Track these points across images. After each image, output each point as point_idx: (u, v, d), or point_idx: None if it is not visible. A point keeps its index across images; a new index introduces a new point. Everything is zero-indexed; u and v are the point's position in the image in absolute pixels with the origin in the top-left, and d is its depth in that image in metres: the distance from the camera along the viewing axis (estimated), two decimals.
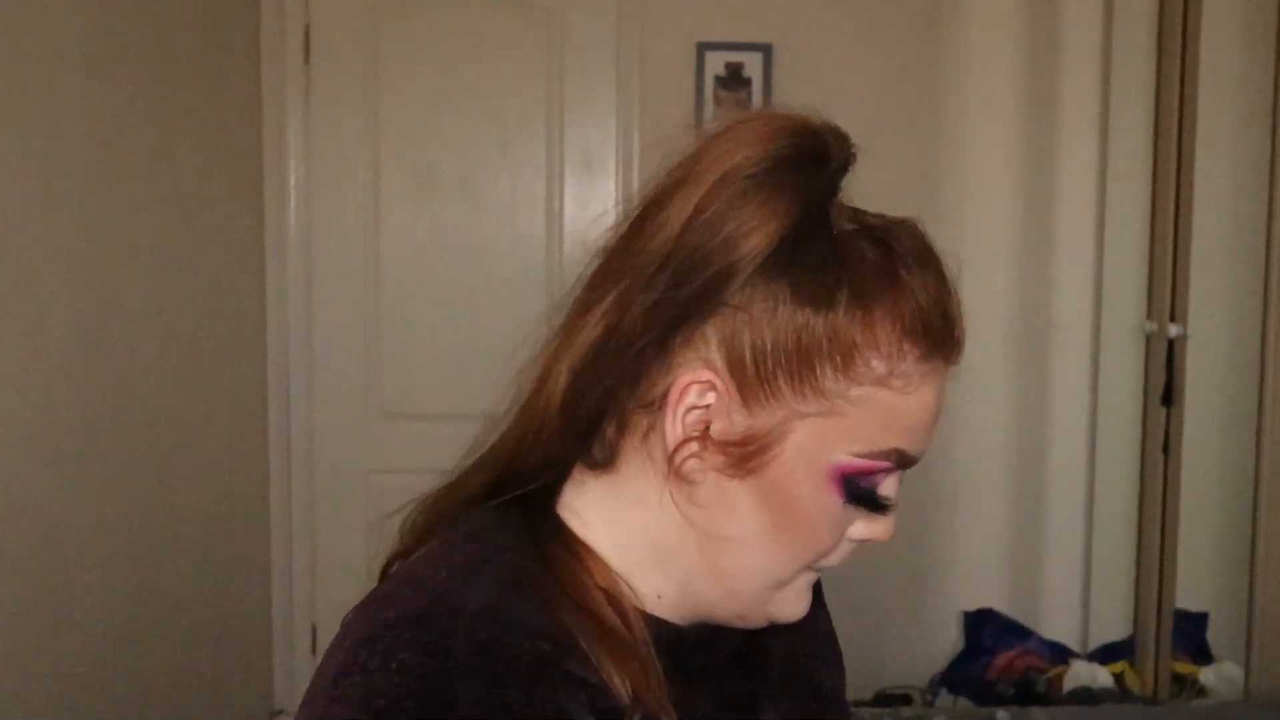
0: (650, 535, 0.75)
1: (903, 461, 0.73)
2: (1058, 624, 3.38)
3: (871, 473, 0.72)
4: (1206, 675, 3.08)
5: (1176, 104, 2.99)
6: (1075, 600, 3.40)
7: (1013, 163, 3.35)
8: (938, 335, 0.71)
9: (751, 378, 0.70)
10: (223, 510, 2.95)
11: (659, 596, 0.76)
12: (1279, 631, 2.88)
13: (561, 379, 0.73)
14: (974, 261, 3.34)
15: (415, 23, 3.26)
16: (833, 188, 0.74)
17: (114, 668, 2.38)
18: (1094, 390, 3.34)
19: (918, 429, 0.72)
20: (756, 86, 3.23)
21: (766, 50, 3.24)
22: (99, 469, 2.33)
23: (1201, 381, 3.07)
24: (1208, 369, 3.10)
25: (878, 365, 0.70)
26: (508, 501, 0.75)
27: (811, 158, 0.72)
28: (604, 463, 0.75)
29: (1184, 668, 3.09)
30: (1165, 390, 3.04)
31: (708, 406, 0.70)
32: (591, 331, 0.72)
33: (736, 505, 0.72)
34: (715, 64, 3.24)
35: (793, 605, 0.77)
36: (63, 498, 2.20)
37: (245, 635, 3.12)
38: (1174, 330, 2.98)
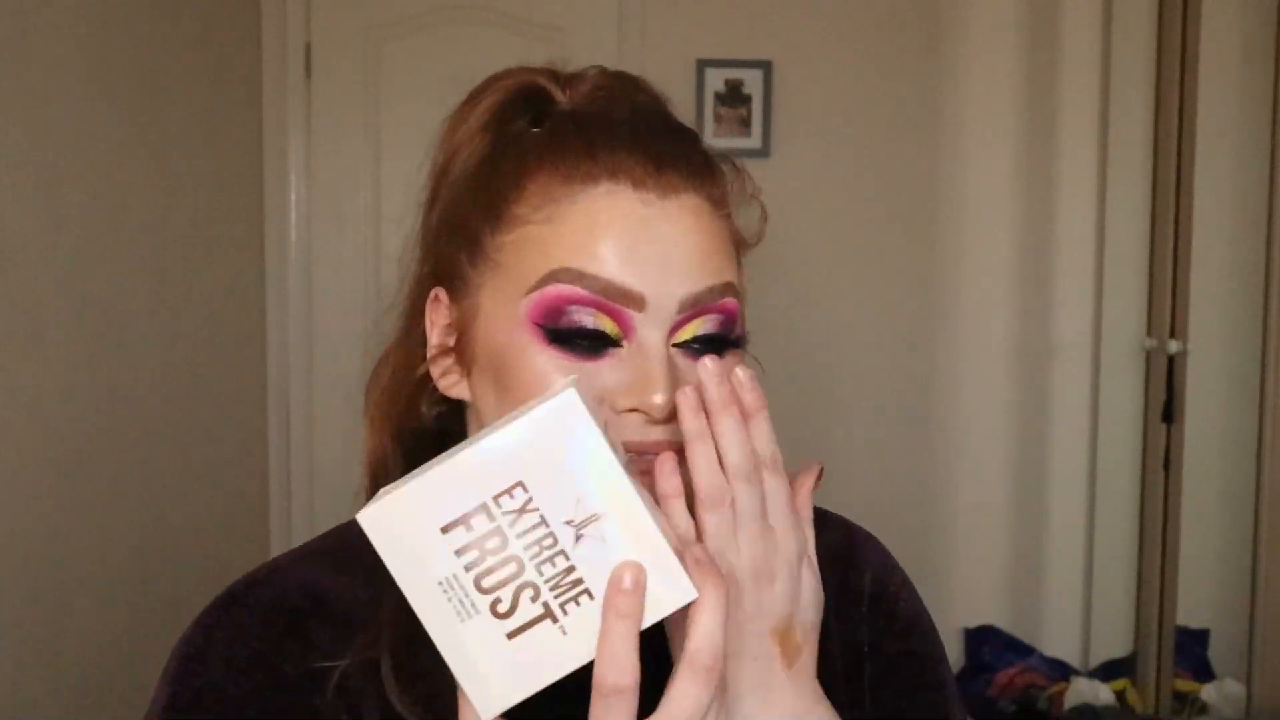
0: None
1: (591, 285, 0.68)
2: (1059, 641, 3.37)
3: (555, 304, 0.68)
4: (1208, 692, 3.08)
5: (1176, 120, 3.00)
6: (1076, 617, 3.39)
7: (1012, 179, 3.36)
8: (585, 169, 0.70)
9: (451, 273, 0.75)
10: (223, 522, 2.94)
11: None
12: None
13: (371, 403, 0.85)
14: (974, 278, 3.35)
15: (416, 41, 3.27)
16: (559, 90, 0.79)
17: (113, 676, 2.38)
18: (1094, 407, 3.34)
19: (590, 247, 0.68)
20: (757, 103, 3.24)
21: (766, 67, 3.25)
22: (100, 482, 2.33)
23: (1202, 398, 3.07)
24: (1208, 385, 3.10)
25: (522, 211, 0.71)
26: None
27: (527, 99, 0.79)
28: (444, 433, 0.80)
29: (1185, 685, 3.09)
30: (1165, 407, 3.04)
31: (450, 322, 0.76)
32: (392, 325, 0.83)
33: (482, 399, 0.74)
34: (715, 81, 3.25)
35: None
36: (63, 509, 2.20)
37: None
38: (1174, 346, 2.98)
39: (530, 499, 0.55)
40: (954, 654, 3.36)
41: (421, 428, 0.81)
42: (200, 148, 2.80)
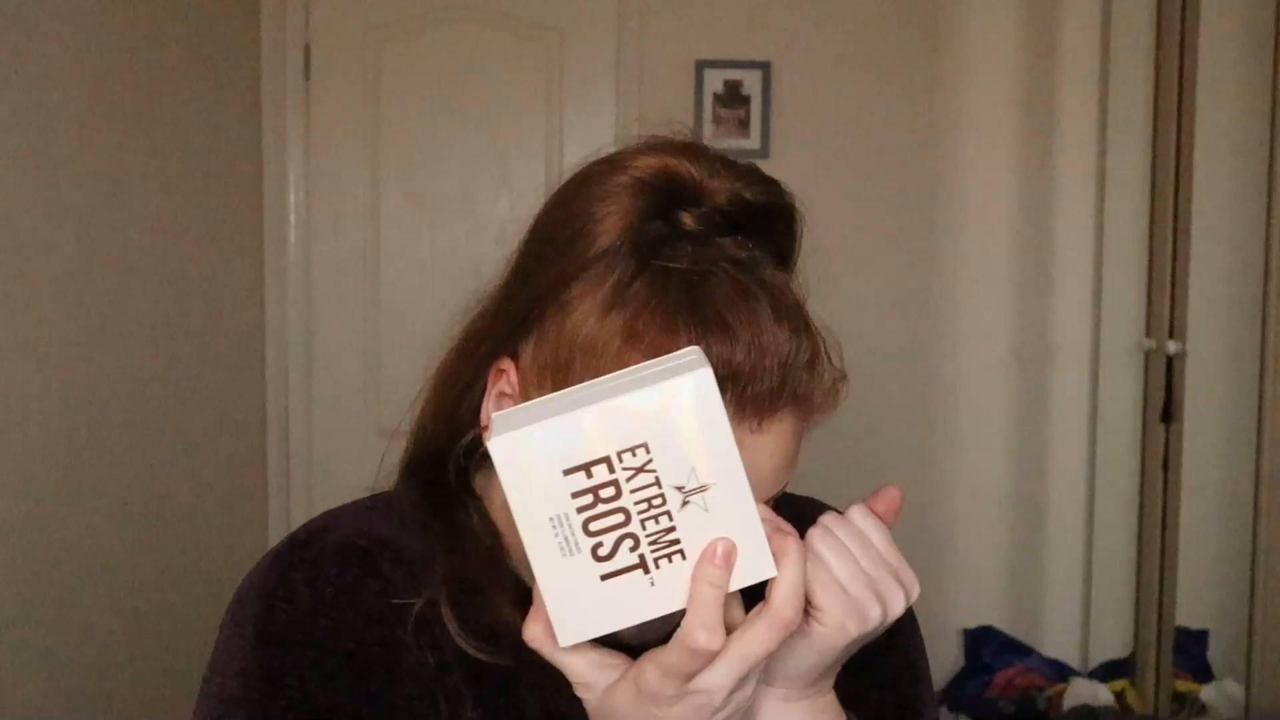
0: None
1: None
2: (1058, 641, 3.37)
3: None
4: (1207, 693, 3.08)
5: (1175, 121, 3.00)
6: (1076, 618, 3.39)
7: (1011, 180, 3.36)
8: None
9: (527, 370, 0.75)
10: (222, 525, 2.94)
11: None
12: None
13: (427, 394, 0.85)
14: (972, 278, 3.35)
15: (415, 42, 3.27)
16: (688, 211, 0.73)
17: (114, 680, 2.38)
18: (1093, 407, 3.34)
19: None
20: (755, 104, 3.24)
21: (765, 68, 3.25)
22: (99, 484, 2.33)
23: (1201, 398, 3.07)
24: (1207, 386, 3.10)
25: (630, 357, 0.69)
26: (433, 481, 0.84)
27: (664, 190, 0.73)
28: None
29: (1185, 685, 3.08)
30: (1165, 407, 3.04)
31: (511, 395, 0.76)
32: (451, 350, 0.84)
33: None
34: (714, 81, 3.25)
35: None
36: (62, 513, 2.20)
37: None
38: (1173, 347, 2.98)
39: (650, 460, 0.60)
40: (953, 654, 3.36)
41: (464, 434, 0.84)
42: (199, 148, 2.80)
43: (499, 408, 0.76)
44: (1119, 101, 3.26)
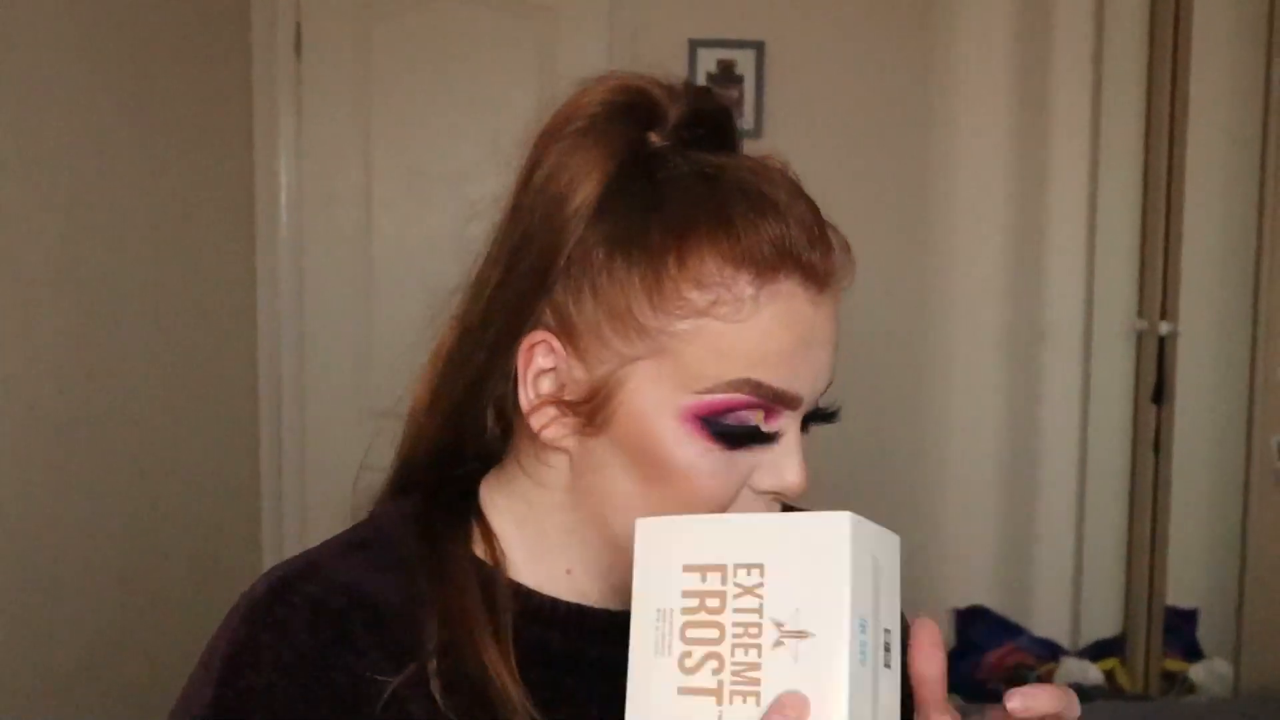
0: (547, 513, 0.76)
1: (766, 394, 0.68)
2: (1049, 621, 3.39)
3: (726, 409, 0.68)
4: (1196, 672, 3.09)
5: (1167, 102, 2.99)
6: (1066, 597, 3.40)
7: (1004, 160, 3.35)
8: (768, 259, 0.68)
9: (579, 330, 0.71)
10: (213, 509, 2.94)
11: (568, 571, 0.76)
12: (1268, 628, 2.89)
13: (423, 391, 0.79)
14: (965, 259, 3.35)
15: (406, 20, 3.26)
16: (662, 132, 0.73)
17: (102, 668, 2.38)
18: (1085, 388, 3.35)
19: (769, 358, 0.68)
20: (749, 83, 3.23)
21: (759, 47, 3.24)
22: (88, 468, 2.33)
23: (1192, 379, 3.08)
24: (1199, 367, 3.11)
25: (697, 296, 0.68)
26: (432, 491, 0.79)
27: (634, 107, 0.73)
28: (502, 450, 0.79)
29: (1174, 664, 3.10)
30: (1156, 388, 3.05)
31: (554, 369, 0.72)
32: (448, 336, 0.78)
33: (605, 465, 0.72)
34: (708, 61, 3.24)
35: None
36: (51, 498, 2.19)
37: None
38: (1165, 328, 2.99)
39: (761, 584, 0.58)
40: (944, 634, 3.37)
41: (475, 432, 0.79)
42: (190, 128, 2.79)
43: (539, 389, 0.72)
44: (1112, 82, 3.25)
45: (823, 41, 3.29)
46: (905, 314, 3.36)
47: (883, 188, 3.32)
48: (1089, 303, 3.33)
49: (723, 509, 0.70)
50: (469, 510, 0.78)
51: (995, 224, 3.36)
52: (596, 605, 0.76)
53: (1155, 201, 3.07)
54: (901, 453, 3.38)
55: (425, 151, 3.27)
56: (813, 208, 0.72)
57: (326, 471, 3.28)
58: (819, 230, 0.71)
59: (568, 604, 0.76)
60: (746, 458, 0.70)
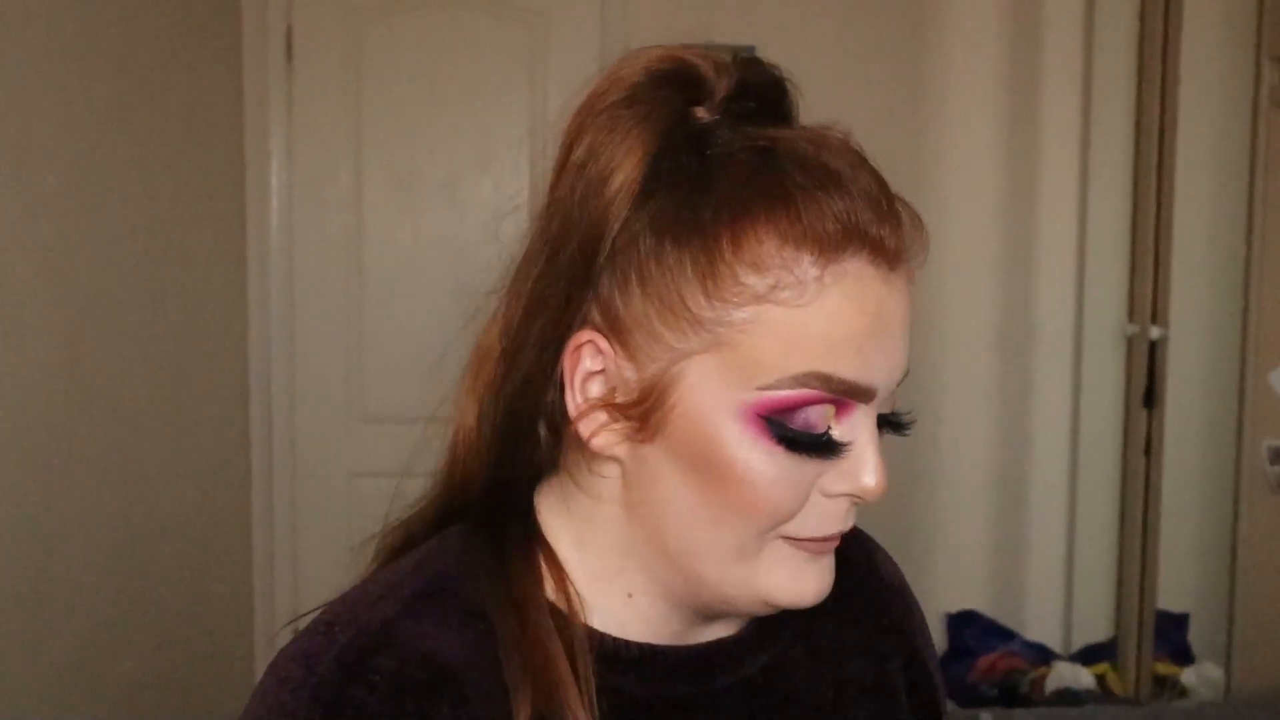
0: (603, 530, 0.70)
1: (837, 388, 0.63)
2: (1040, 625, 3.39)
3: (792, 407, 0.62)
4: (1188, 676, 3.10)
5: (1157, 106, 3.00)
6: (1057, 602, 3.41)
7: (994, 165, 3.36)
8: (833, 236, 0.62)
9: (628, 326, 0.64)
10: (204, 513, 2.93)
11: (629, 595, 0.70)
12: (1259, 632, 2.90)
13: (468, 401, 0.71)
14: (955, 264, 3.35)
15: (397, 24, 3.25)
16: (710, 106, 0.66)
17: (93, 671, 2.37)
18: (1076, 392, 3.35)
19: (839, 346, 0.62)
20: None
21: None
22: (78, 471, 2.32)
23: (1183, 383, 3.08)
24: (1189, 371, 3.11)
25: (755, 281, 0.62)
26: (489, 516, 0.72)
27: (676, 80, 0.66)
28: (553, 464, 0.73)
29: (1165, 668, 3.11)
30: (1147, 392, 3.05)
31: (603, 371, 0.66)
32: (487, 341, 0.71)
33: (659, 473, 0.65)
34: None
35: (787, 584, 0.66)
36: (42, 501, 2.18)
37: (226, 638, 3.10)
38: (1155, 332, 2.99)
39: None
40: (936, 639, 3.36)
41: (528, 446, 0.72)
42: (180, 132, 2.78)
43: (587, 393, 0.66)
44: (1102, 87, 3.26)
45: (813, 45, 3.29)
46: None
47: None
48: (1080, 307, 3.33)
49: (789, 519, 0.65)
50: (533, 541, 0.71)
51: (986, 228, 3.37)
52: (661, 630, 0.71)
53: (1145, 206, 3.08)
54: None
55: (416, 156, 3.27)
56: (879, 179, 0.66)
57: (317, 476, 3.28)
58: (887, 203, 0.65)
59: (640, 645, 0.70)
60: (809, 459, 0.64)
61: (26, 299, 2.13)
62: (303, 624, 0.69)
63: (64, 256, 2.26)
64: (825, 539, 0.67)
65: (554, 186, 0.68)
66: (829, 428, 0.64)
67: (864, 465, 0.65)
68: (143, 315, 2.58)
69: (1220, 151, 3.11)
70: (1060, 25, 3.31)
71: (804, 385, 0.62)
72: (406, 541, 0.76)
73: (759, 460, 0.63)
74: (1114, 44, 3.23)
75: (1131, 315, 3.18)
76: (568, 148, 0.67)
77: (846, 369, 0.62)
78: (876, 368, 0.64)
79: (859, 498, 0.66)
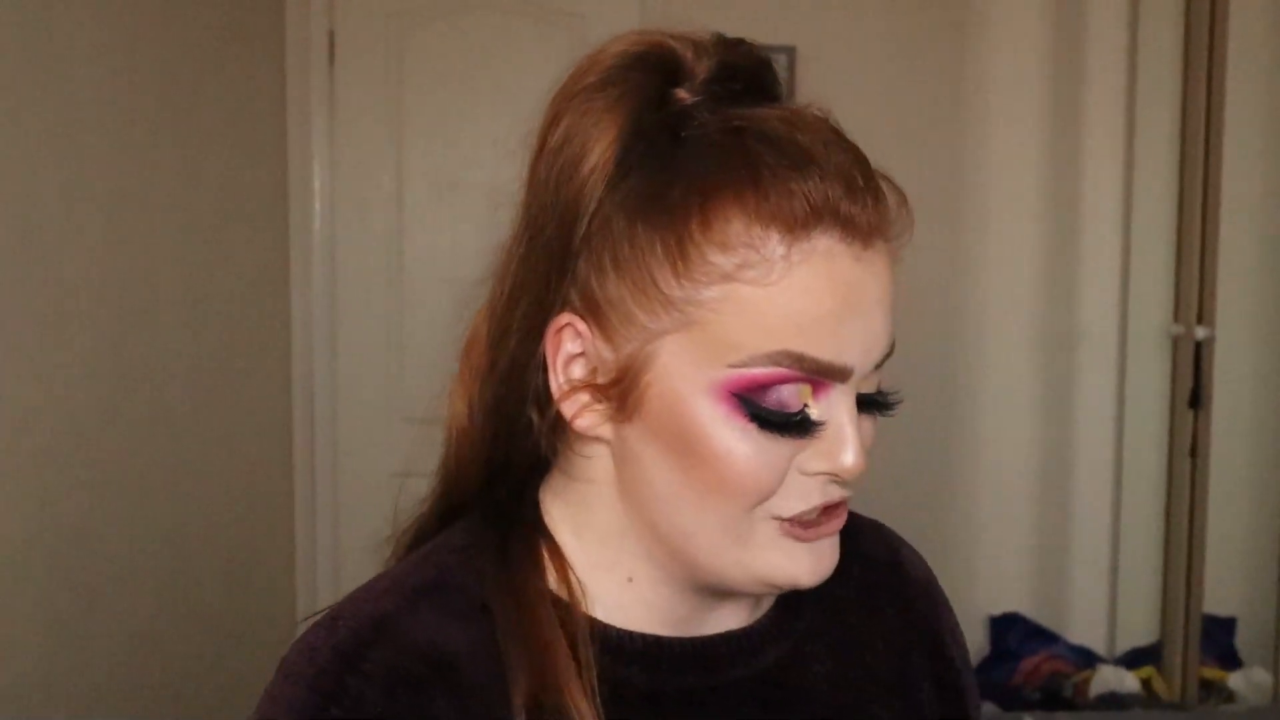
0: (598, 514, 0.71)
1: (809, 367, 0.62)
2: (1084, 628, 3.36)
3: (764, 385, 0.62)
4: (1235, 680, 3.06)
5: (1204, 105, 2.97)
6: (1102, 604, 3.38)
7: (1038, 165, 3.33)
8: (800, 215, 0.61)
9: (604, 308, 0.65)
10: (247, 514, 2.96)
11: (630, 580, 0.71)
12: None
13: (459, 389, 0.74)
14: (999, 265, 3.33)
15: (437, 28, 3.27)
16: (690, 88, 0.67)
17: (139, 670, 2.40)
18: (1120, 393, 3.32)
19: (811, 325, 0.62)
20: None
21: (790, 53, 3.23)
22: (123, 473, 2.35)
23: (1229, 384, 3.05)
24: (1235, 372, 3.08)
25: (722, 260, 0.62)
26: (492, 508, 0.74)
27: (652, 62, 0.66)
28: (551, 452, 0.73)
29: (1212, 673, 3.07)
30: (1192, 393, 3.02)
31: (584, 353, 0.67)
32: (476, 328, 0.73)
33: (642, 454, 0.66)
34: None
35: (782, 564, 0.66)
36: (88, 502, 2.21)
37: (269, 637, 3.13)
38: (1201, 333, 2.96)
39: None
40: (978, 641, 3.35)
41: (521, 432, 0.73)
42: (224, 136, 2.81)
43: (570, 376, 0.67)
44: (1147, 85, 3.23)
45: (855, 47, 3.28)
46: (939, 319, 3.35)
47: (915, 194, 3.27)
48: (1124, 307, 3.31)
49: (768, 496, 0.64)
50: (535, 531, 0.72)
51: (1030, 228, 3.35)
52: (667, 617, 0.71)
53: (1191, 205, 3.04)
54: (935, 458, 3.37)
55: (457, 159, 3.28)
56: (856, 155, 0.66)
57: (360, 476, 3.30)
58: (863, 180, 0.64)
59: (643, 636, 0.70)
60: (784, 438, 0.64)
61: (73, 302, 2.16)
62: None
63: (110, 260, 2.29)
64: (814, 522, 0.66)
65: (533, 170, 0.70)
66: (805, 406, 0.64)
67: (842, 444, 0.65)
68: (187, 318, 2.61)
69: (1267, 148, 3.08)
70: (1104, 21, 3.28)
71: (776, 364, 0.62)
72: (418, 537, 0.78)
73: (732, 438, 0.63)
74: (1159, 40, 3.20)
75: (1177, 315, 3.15)
76: (545, 131, 0.69)
77: (819, 348, 0.62)
78: (851, 346, 0.64)
79: (836, 477, 0.66)
